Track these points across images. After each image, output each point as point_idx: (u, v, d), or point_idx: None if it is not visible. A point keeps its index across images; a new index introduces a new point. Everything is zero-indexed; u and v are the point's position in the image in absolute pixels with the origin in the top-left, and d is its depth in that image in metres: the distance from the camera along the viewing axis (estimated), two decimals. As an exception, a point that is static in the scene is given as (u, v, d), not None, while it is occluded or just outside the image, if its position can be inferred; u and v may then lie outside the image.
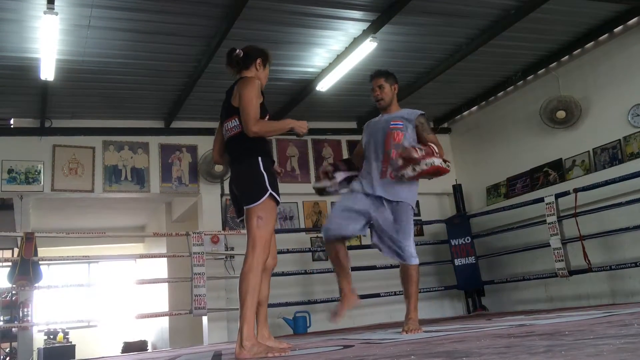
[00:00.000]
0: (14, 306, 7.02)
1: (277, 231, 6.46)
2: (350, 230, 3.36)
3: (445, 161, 3.25)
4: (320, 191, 3.65)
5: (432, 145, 3.29)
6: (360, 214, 3.34)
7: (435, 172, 3.25)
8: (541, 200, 5.83)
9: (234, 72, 2.92)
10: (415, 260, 3.36)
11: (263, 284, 2.83)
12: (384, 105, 3.61)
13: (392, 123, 3.51)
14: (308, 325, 6.14)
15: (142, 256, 7.84)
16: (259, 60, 2.93)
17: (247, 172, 2.68)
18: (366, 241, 7.18)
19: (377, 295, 6.32)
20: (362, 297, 6.31)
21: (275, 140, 7.08)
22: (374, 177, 3.40)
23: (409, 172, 3.17)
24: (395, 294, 6.22)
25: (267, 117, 2.77)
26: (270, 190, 2.62)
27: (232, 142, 2.77)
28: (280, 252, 6.04)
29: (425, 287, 6.49)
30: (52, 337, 8.06)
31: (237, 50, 2.87)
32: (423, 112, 3.57)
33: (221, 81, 5.89)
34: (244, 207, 2.67)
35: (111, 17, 4.57)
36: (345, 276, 3.49)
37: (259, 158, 2.68)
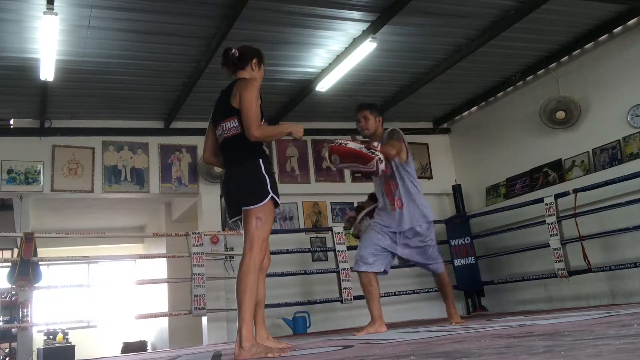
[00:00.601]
0: (14, 306, 7.02)
1: (277, 231, 6.52)
2: (380, 267, 3.81)
3: (371, 148, 3.47)
4: (356, 235, 4.13)
5: (375, 143, 3.57)
6: (387, 250, 3.81)
7: (355, 156, 3.49)
8: (541, 200, 5.83)
9: (229, 72, 2.93)
10: (443, 267, 3.96)
11: (259, 284, 2.83)
12: (368, 134, 3.89)
13: None
14: (308, 325, 6.14)
15: (141, 256, 7.83)
16: (254, 61, 2.93)
17: (248, 174, 2.68)
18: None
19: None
20: (362, 297, 6.33)
21: (275, 141, 7.08)
22: (388, 212, 3.84)
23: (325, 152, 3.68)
24: (394, 295, 6.23)
25: (263, 120, 2.78)
26: (271, 194, 2.64)
27: (230, 143, 2.75)
28: (279, 253, 6.09)
29: (425, 287, 6.49)
30: (51, 337, 8.05)
31: (233, 50, 2.87)
32: (393, 129, 3.86)
33: (221, 81, 5.85)
34: (243, 208, 2.67)
35: (111, 18, 4.57)
36: (376, 303, 3.85)
37: (260, 160, 2.68)
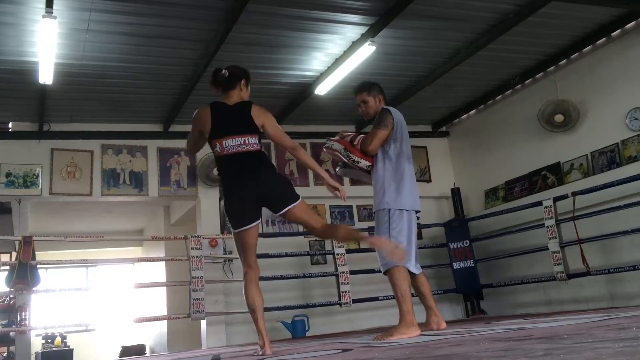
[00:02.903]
0: (12, 310, 7.00)
1: (276, 234, 6.52)
2: None
3: (352, 142, 3.46)
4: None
5: (360, 136, 3.51)
6: None
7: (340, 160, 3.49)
8: (539, 203, 5.83)
9: (217, 91, 3.16)
10: (386, 267, 3.34)
11: (256, 293, 3.09)
12: (370, 118, 3.66)
13: None
14: (307, 329, 6.13)
15: (140, 260, 7.80)
16: (243, 81, 3.18)
17: (280, 178, 3.11)
18: (364, 245, 7.19)
19: (376, 299, 6.32)
20: (361, 300, 6.37)
21: (273, 145, 7.07)
22: None
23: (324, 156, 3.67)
24: (394, 298, 6.21)
25: None
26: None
27: (249, 156, 2.99)
28: (278, 256, 6.08)
29: (424, 290, 6.48)
30: (50, 341, 8.03)
31: (223, 71, 3.10)
32: (383, 108, 3.58)
33: (220, 85, 5.93)
34: (287, 207, 2.97)
35: (110, 21, 4.57)
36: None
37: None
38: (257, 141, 3.01)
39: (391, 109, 3.56)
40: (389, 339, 3.01)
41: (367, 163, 3.45)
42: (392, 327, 3.28)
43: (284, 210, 2.98)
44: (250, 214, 2.96)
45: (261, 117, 3.06)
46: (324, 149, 3.61)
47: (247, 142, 2.98)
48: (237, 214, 2.97)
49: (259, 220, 3.04)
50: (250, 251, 3.05)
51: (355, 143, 3.45)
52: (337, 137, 3.55)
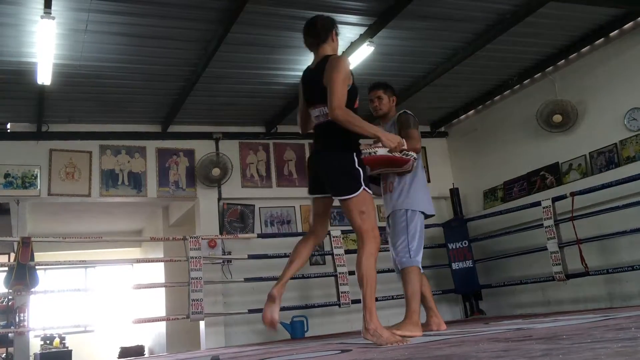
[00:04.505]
0: (11, 311, 7.00)
1: (275, 235, 6.52)
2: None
3: (402, 151, 3.26)
4: None
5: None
6: None
7: (388, 162, 3.32)
8: (538, 203, 5.83)
9: (312, 48, 2.90)
10: (407, 264, 3.40)
11: (309, 247, 2.91)
12: (380, 114, 3.74)
13: None
14: (306, 329, 6.13)
15: (139, 261, 7.79)
16: (333, 32, 2.91)
17: (341, 166, 2.75)
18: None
19: (375, 299, 6.30)
20: (360, 301, 6.34)
21: (272, 145, 7.09)
22: (385, 196, 3.65)
23: None
24: (392, 298, 6.22)
25: (357, 99, 2.83)
26: (363, 186, 2.72)
27: (324, 129, 2.79)
28: (277, 257, 6.07)
29: (423, 291, 6.48)
30: (48, 342, 8.03)
31: (318, 22, 2.86)
32: (404, 111, 3.65)
33: (219, 85, 5.94)
34: (339, 198, 2.75)
35: (108, 22, 4.57)
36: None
37: (354, 154, 2.75)
38: None
39: (410, 112, 3.67)
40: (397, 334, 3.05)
41: (414, 155, 3.41)
42: (397, 324, 3.30)
43: (334, 197, 2.82)
44: (314, 185, 2.89)
45: (328, 72, 2.70)
46: (369, 153, 3.35)
47: (323, 112, 2.77)
48: (309, 180, 2.94)
49: (326, 195, 2.85)
50: (313, 217, 2.96)
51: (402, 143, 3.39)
52: (372, 147, 3.35)
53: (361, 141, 3.23)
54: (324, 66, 2.73)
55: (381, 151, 3.23)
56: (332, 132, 2.74)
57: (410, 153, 3.30)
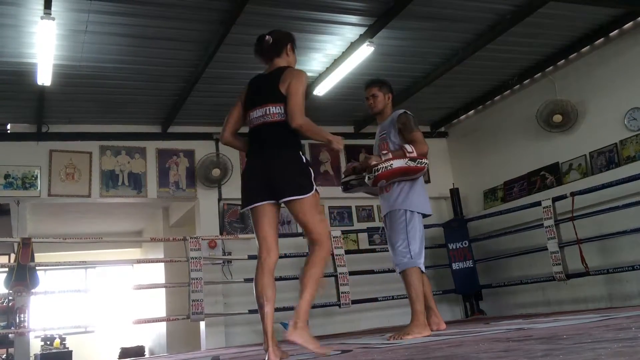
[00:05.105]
0: (11, 312, 6.99)
1: (275, 236, 6.50)
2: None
3: (416, 159, 3.27)
4: (346, 184, 3.65)
5: (406, 146, 3.32)
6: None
7: (403, 173, 3.29)
8: (538, 204, 5.83)
9: (263, 60, 2.88)
10: (408, 265, 3.34)
11: (269, 285, 2.61)
12: (376, 112, 3.69)
13: (381, 133, 3.62)
14: (306, 330, 6.12)
15: (139, 261, 7.80)
16: (289, 46, 2.89)
17: (292, 163, 2.65)
18: (363, 245, 7.20)
19: (375, 299, 6.31)
20: (360, 301, 6.37)
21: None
22: (381, 196, 3.54)
23: (366, 180, 3.30)
24: (393, 299, 6.22)
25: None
26: (315, 186, 2.65)
27: (272, 129, 2.69)
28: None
29: (423, 291, 6.48)
30: (49, 342, 8.03)
31: (267, 37, 2.82)
32: (404, 112, 3.59)
33: (219, 86, 5.93)
34: (289, 198, 2.59)
35: (108, 22, 4.57)
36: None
37: (300, 152, 2.69)
38: (282, 110, 2.66)
39: (409, 113, 3.60)
40: (406, 338, 3.04)
41: (427, 162, 3.40)
42: (405, 326, 3.29)
43: (283, 200, 2.61)
44: (257, 192, 2.67)
45: (288, 78, 2.69)
46: (379, 173, 3.30)
47: (268, 111, 2.70)
48: (244, 191, 2.77)
49: (271, 202, 2.66)
50: (264, 232, 2.69)
51: (410, 150, 3.33)
52: (384, 159, 3.30)
53: (371, 156, 3.24)
54: (281, 72, 2.75)
55: (397, 163, 3.23)
56: (275, 131, 2.69)
57: (424, 161, 3.29)
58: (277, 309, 5.98)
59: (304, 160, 2.67)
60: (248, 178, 2.75)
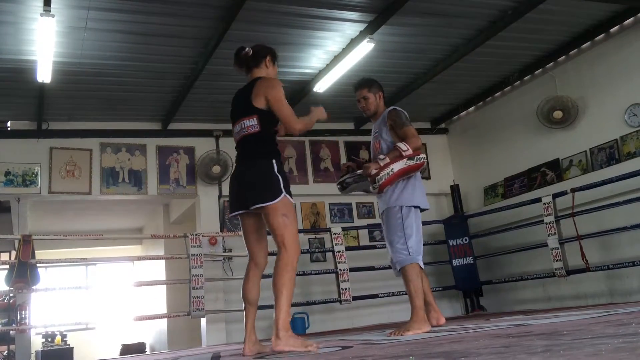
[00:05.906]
0: (12, 309, 6.99)
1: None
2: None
3: (413, 156, 3.25)
4: (342, 184, 3.65)
5: (400, 144, 3.27)
6: None
7: (405, 173, 3.27)
8: (539, 200, 5.84)
9: (242, 71, 2.94)
10: (406, 262, 3.31)
11: (254, 285, 2.94)
12: (370, 114, 3.68)
13: (375, 132, 3.61)
14: (306, 326, 6.14)
15: (140, 258, 7.81)
16: (268, 58, 2.94)
17: (261, 172, 2.71)
18: (364, 242, 7.21)
19: (376, 296, 6.32)
20: (361, 297, 6.38)
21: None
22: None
23: (371, 189, 3.29)
24: (393, 295, 6.23)
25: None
26: (284, 192, 2.67)
27: (246, 141, 2.78)
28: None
29: (424, 287, 6.49)
30: (50, 339, 8.03)
31: (246, 49, 2.88)
32: (393, 108, 3.55)
33: (219, 82, 5.92)
34: (258, 206, 2.66)
35: (108, 19, 4.56)
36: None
37: (274, 161, 2.73)
38: (255, 122, 2.73)
39: (399, 108, 3.57)
40: (407, 334, 3.04)
41: (424, 156, 3.40)
42: (406, 322, 3.29)
43: (252, 208, 2.69)
44: (233, 203, 2.81)
45: (261, 89, 2.75)
46: (383, 182, 3.26)
47: (244, 125, 2.77)
48: (230, 199, 2.86)
49: (246, 211, 2.76)
50: (247, 239, 2.91)
51: (405, 148, 3.28)
52: (383, 164, 3.25)
53: (369, 165, 3.22)
54: (254, 84, 2.80)
55: (397, 166, 3.22)
56: (250, 142, 2.76)
57: (421, 156, 3.28)
58: (269, 306, 6.00)
59: (275, 169, 2.70)
60: (229, 189, 2.87)
